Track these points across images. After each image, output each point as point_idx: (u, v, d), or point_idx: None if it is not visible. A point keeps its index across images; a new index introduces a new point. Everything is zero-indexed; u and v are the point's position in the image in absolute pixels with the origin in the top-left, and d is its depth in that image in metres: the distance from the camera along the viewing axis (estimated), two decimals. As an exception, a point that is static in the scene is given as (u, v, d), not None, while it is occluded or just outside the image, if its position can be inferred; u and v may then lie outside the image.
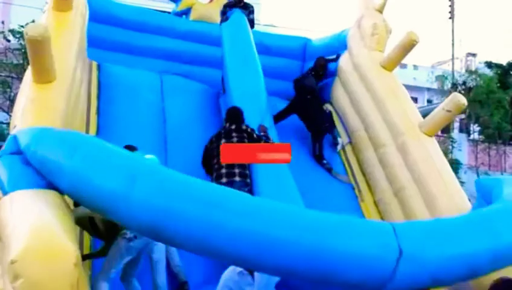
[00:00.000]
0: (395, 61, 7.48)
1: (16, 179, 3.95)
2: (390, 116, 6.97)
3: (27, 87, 5.18)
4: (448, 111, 6.51)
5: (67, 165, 3.76)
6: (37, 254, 3.11)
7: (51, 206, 3.64)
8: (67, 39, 5.96)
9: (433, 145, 6.64)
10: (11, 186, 3.88)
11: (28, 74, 5.30)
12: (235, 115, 6.33)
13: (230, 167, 5.85)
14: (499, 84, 21.60)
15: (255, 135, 6.21)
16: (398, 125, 6.81)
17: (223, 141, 6.06)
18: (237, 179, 5.85)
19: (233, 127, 6.21)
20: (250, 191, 5.80)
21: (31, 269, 3.08)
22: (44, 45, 4.79)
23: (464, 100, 6.48)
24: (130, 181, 3.52)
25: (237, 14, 8.06)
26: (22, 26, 16.11)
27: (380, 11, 8.01)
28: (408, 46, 7.28)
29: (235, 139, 6.07)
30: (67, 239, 3.27)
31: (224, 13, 8.19)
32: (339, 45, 8.34)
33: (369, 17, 7.95)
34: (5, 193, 3.88)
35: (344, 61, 8.14)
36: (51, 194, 3.82)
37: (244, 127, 6.22)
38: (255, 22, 8.55)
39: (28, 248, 3.13)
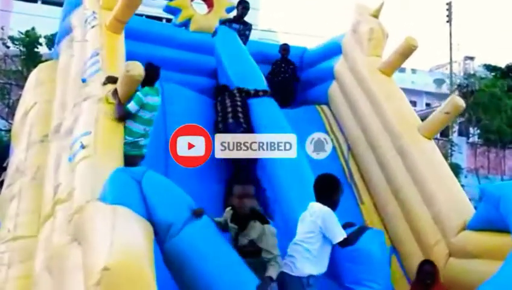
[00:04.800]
0: (394, 66, 7.55)
1: (126, 196, 4.16)
2: (389, 120, 7.01)
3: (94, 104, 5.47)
4: (447, 113, 6.61)
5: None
6: (128, 275, 3.30)
7: (149, 240, 3.90)
8: (120, 64, 6.05)
9: (432, 148, 6.70)
10: (116, 199, 4.10)
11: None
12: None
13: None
14: (499, 88, 21.45)
15: (251, 92, 7.19)
16: (397, 129, 6.85)
17: (227, 100, 7.08)
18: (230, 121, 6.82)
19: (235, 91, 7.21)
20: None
21: (116, 284, 3.26)
22: (137, 83, 5.34)
23: (462, 102, 6.58)
24: None
25: (222, 27, 8.53)
26: (22, 33, 16.15)
27: (376, 16, 8.05)
28: (407, 51, 7.33)
29: (238, 98, 7.06)
30: (153, 277, 3.47)
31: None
32: (333, 51, 8.50)
33: (365, 23, 7.98)
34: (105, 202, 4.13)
35: (340, 67, 8.21)
36: (150, 229, 4.08)
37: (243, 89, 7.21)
38: (254, 26, 8.85)
39: (124, 265, 3.32)
